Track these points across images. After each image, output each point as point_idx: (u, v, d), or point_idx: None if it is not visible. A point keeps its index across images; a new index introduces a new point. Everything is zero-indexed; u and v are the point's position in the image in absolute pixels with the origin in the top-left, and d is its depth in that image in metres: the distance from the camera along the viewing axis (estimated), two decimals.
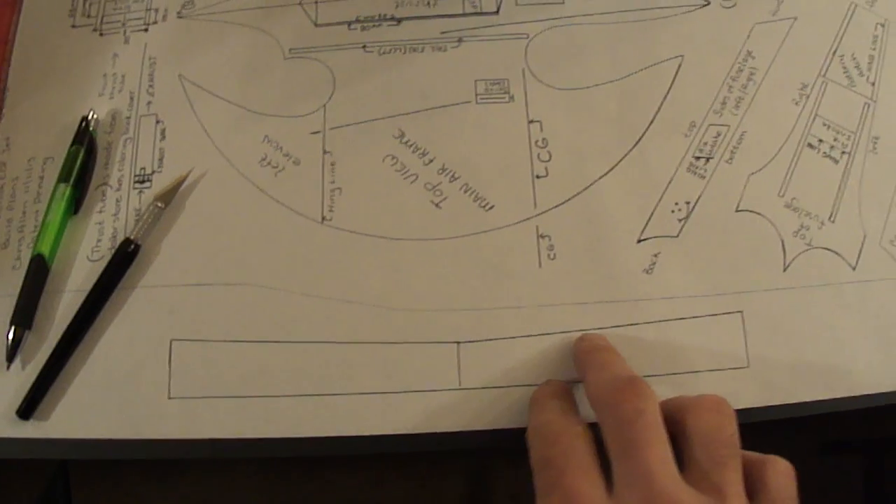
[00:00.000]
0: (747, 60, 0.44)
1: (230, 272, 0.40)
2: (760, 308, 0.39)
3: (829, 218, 0.41)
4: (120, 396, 0.38)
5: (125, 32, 0.46)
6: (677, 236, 0.40)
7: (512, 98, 0.43)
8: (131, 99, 0.44)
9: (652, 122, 0.42)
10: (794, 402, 0.38)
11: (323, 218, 0.41)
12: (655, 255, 0.40)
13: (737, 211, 0.41)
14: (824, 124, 0.43)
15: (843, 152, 0.42)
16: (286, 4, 0.46)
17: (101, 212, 0.42)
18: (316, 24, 0.45)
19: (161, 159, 0.42)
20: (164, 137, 0.43)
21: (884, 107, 0.43)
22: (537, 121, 0.42)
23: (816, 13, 0.45)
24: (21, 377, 0.39)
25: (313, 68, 0.44)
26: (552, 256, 0.40)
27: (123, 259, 0.40)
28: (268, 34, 0.45)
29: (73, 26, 0.46)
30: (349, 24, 0.45)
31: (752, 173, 0.41)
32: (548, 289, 0.39)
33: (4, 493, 0.43)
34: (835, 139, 0.42)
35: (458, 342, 0.39)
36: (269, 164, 0.42)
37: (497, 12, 0.45)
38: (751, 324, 0.39)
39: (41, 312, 0.40)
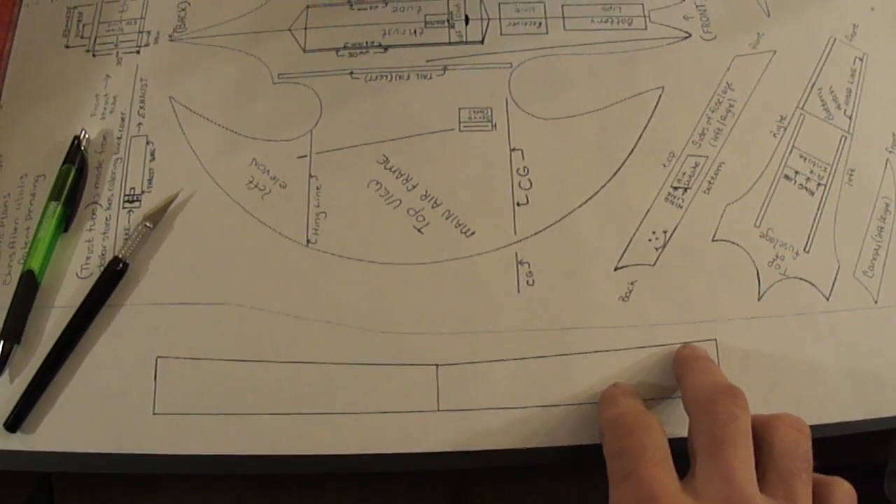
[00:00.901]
0: (727, 92, 0.45)
1: (216, 292, 0.41)
2: (734, 336, 0.40)
3: (804, 248, 0.42)
4: (106, 411, 0.39)
5: (118, 54, 0.46)
6: (654, 265, 0.41)
7: (494, 126, 0.44)
8: (122, 120, 0.45)
9: (632, 151, 0.43)
10: None
11: (308, 241, 0.41)
12: (632, 283, 0.41)
13: (713, 240, 0.41)
14: (801, 156, 0.43)
15: (819, 184, 0.43)
16: (275, 30, 0.46)
17: (90, 230, 0.42)
18: (304, 50, 0.46)
19: (150, 180, 0.43)
20: (153, 158, 0.43)
21: (860, 140, 0.44)
22: (519, 149, 0.43)
23: (796, 46, 0.46)
24: (9, 391, 0.39)
25: (301, 93, 0.45)
26: (531, 282, 0.40)
27: (112, 277, 0.40)
28: (257, 59, 0.46)
29: (67, 46, 0.47)
30: (337, 50, 0.46)
31: (729, 203, 0.42)
32: (526, 314, 0.40)
33: None
34: (811, 171, 0.43)
35: (438, 365, 0.39)
36: (256, 186, 0.43)
37: (482, 42, 0.46)
38: (725, 352, 0.39)
39: (30, 327, 0.40)
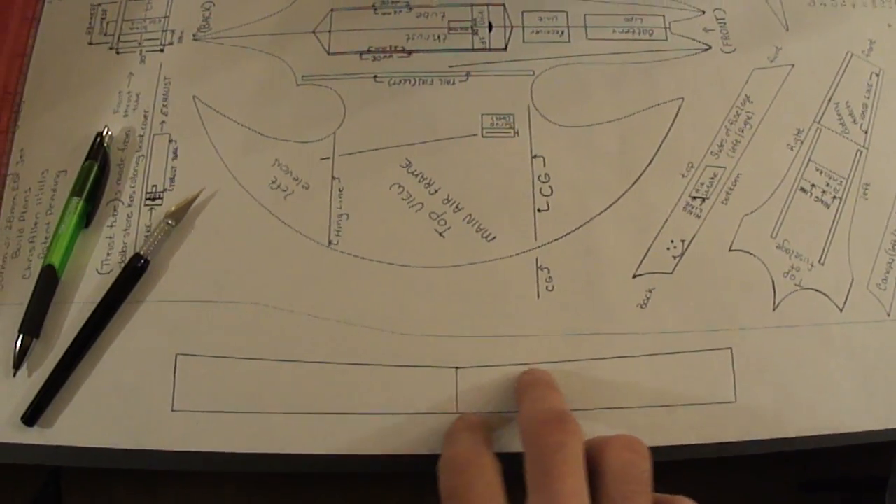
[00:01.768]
0: (745, 104, 0.45)
1: (237, 291, 0.41)
2: (749, 345, 0.40)
3: (819, 260, 0.42)
4: (124, 407, 0.39)
5: (141, 52, 0.47)
6: (672, 273, 0.41)
7: (517, 133, 0.44)
8: (145, 117, 0.45)
9: (651, 161, 0.43)
10: (779, 437, 0.39)
11: (329, 242, 0.42)
12: (650, 291, 0.41)
13: (730, 250, 0.42)
14: (817, 169, 0.44)
15: (835, 197, 0.43)
16: (300, 32, 0.47)
17: (111, 226, 0.42)
18: (329, 53, 0.46)
19: (173, 178, 0.43)
20: (176, 156, 0.44)
21: (875, 154, 0.45)
22: (540, 156, 0.43)
23: (813, 61, 0.47)
24: (27, 384, 0.39)
25: (325, 96, 0.45)
26: (550, 288, 0.41)
27: (132, 273, 0.40)
28: (281, 60, 0.46)
29: (90, 43, 0.47)
30: (361, 53, 0.46)
31: (746, 214, 0.43)
32: (545, 319, 0.40)
33: None
34: (827, 184, 0.44)
35: (457, 367, 0.39)
36: (278, 187, 0.43)
37: (505, 49, 0.46)
38: (739, 360, 0.40)
39: (49, 322, 0.40)
